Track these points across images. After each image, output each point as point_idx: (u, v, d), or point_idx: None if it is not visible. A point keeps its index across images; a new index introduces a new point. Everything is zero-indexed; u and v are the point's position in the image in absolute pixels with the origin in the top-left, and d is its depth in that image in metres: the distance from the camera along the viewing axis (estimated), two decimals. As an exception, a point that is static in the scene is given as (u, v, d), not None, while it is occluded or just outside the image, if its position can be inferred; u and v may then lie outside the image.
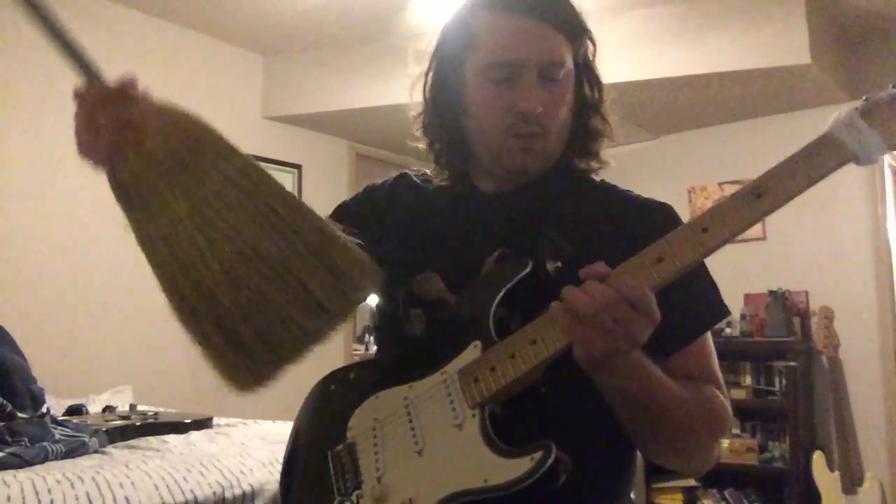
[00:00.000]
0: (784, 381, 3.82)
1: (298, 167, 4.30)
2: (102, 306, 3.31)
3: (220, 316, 0.79)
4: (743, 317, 4.05)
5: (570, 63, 0.95)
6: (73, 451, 1.79)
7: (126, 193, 0.83)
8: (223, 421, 2.32)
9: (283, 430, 2.12)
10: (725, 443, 3.82)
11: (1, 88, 3.09)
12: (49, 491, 1.43)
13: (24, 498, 1.39)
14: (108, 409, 2.53)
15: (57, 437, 1.82)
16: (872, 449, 3.64)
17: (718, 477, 3.82)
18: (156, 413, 2.42)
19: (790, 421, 3.73)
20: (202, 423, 2.25)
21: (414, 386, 0.88)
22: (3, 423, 1.76)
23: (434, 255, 0.99)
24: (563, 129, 0.97)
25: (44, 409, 2.09)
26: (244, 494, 1.65)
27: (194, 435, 2.08)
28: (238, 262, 0.79)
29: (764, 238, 4.12)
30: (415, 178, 1.11)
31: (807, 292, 4.00)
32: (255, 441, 2.02)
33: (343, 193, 4.54)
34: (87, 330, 3.26)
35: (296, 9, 3.61)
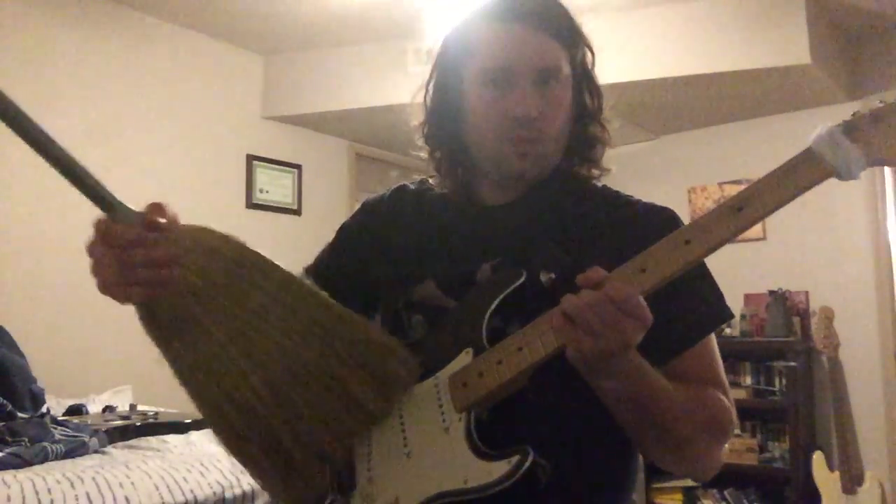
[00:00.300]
0: (784, 381, 3.82)
1: (298, 167, 4.30)
2: (102, 306, 3.27)
3: (269, 438, 0.80)
4: (743, 317, 4.05)
5: (566, 70, 0.96)
6: (73, 451, 1.79)
7: (162, 329, 0.81)
8: (223, 421, 2.32)
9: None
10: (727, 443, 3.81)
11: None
12: (49, 491, 1.43)
13: (24, 498, 1.39)
14: (108, 409, 2.53)
15: (57, 437, 1.82)
16: (872, 449, 3.64)
17: (718, 477, 3.76)
18: (156, 413, 2.42)
19: (790, 421, 3.73)
20: (202, 423, 2.24)
21: (407, 391, 0.90)
22: (3, 423, 1.76)
23: (433, 264, 1.00)
24: (560, 135, 0.97)
25: (44, 409, 2.10)
26: (244, 494, 1.66)
27: (194, 435, 2.08)
28: (284, 381, 0.80)
29: (764, 238, 4.12)
30: (412, 188, 1.12)
31: (807, 292, 4.00)
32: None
33: (343, 193, 4.55)
34: (87, 330, 3.26)
35: (296, 9, 3.61)
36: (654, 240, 0.80)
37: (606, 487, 0.95)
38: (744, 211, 0.77)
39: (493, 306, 0.88)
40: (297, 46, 4.07)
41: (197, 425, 2.22)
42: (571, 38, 0.96)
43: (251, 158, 4.05)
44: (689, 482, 3.90)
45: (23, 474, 1.50)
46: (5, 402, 1.85)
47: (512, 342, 0.83)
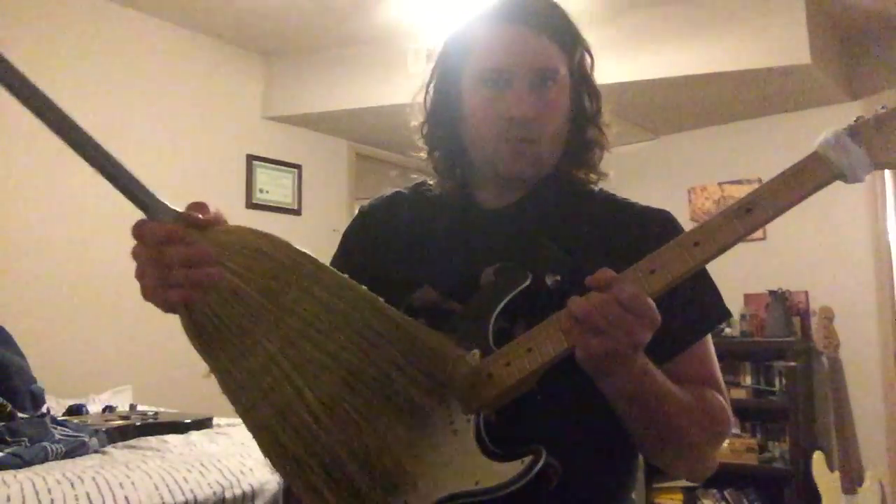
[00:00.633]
0: (784, 381, 3.82)
1: (298, 167, 4.30)
2: (102, 306, 3.31)
3: (328, 461, 0.72)
4: (743, 317, 4.05)
5: (564, 72, 0.96)
6: (73, 451, 1.79)
7: (206, 339, 0.74)
8: (223, 421, 2.32)
9: (283, 430, 2.12)
10: (725, 443, 3.79)
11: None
12: (49, 491, 1.43)
13: (24, 498, 1.39)
14: (108, 409, 2.53)
15: (57, 437, 1.82)
16: (872, 449, 3.64)
17: (718, 477, 3.81)
18: (156, 413, 2.42)
19: (790, 421, 3.73)
20: (202, 423, 2.25)
21: None
22: (3, 423, 1.76)
23: (433, 268, 1.00)
24: (557, 137, 0.98)
25: (44, 409, 2.10)
26: (244, 494, 1.65)
27: (194, 435, 2.08)
28: (342, 396, 0.73)
29: (764, 238, 4.12)
30: (407, 193, 1.12)
31: (807, 292, 4.00)
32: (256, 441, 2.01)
33: (343, 193, 4.56)
34: (87, 330, 3.26)
35: (296, 9, 3.61)
36: (652, 242, 0.81)
37: (608, 488, 0.96)
38: (752, 213, 0.78)
39: (499, 308, 0.89)
40: (297, 46, 4.07)
41: (197, 425, 2.22)
42: (570, 41, 0.97)
43: (251, 158, 4.05)
44: (689, 482, 3.90)
45: (23, 474, 1.50)
46: (5, 402, 1.85)
47: (520, 344, 0.83)
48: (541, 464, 0.77)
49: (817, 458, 3.41)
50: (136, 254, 0.74)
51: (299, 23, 3.76)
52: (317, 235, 4.18)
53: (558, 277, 0.92)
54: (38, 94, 0.75)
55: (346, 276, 0.79)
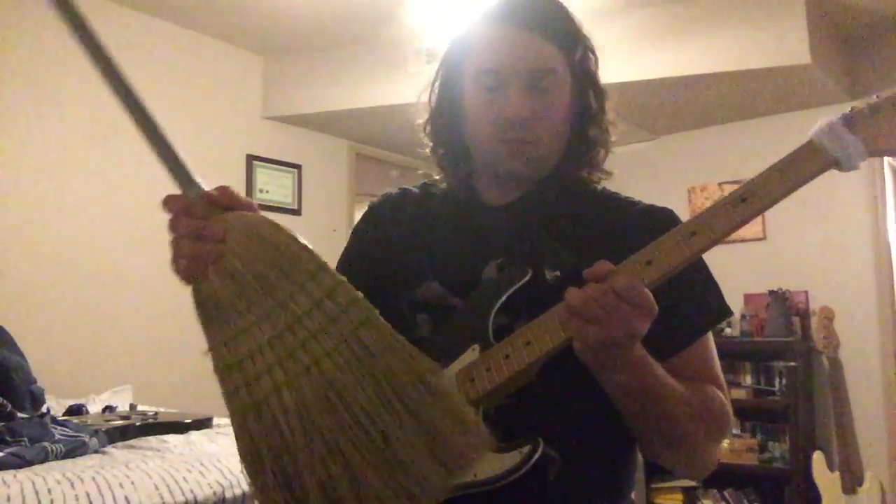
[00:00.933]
0: (784, 381, 3.82)
1: (298, 167, 4.30)
2: (102, 306, 3.31)
3: (287, 469, 0.70)
4: (743, 317, 4.05)
5: (562, 71, 0.96)
6: (73, 451, 1.79)
7: (206, 314, 0.75)
8: (223, 421, 2.32)
9: (283, 430, 2.12)
10: (725, 443, 3.82)
11: (0, 88, 3.09)
12: (49, 491, 1.43)
13: (24, 498, 1.39)
14: (108, 409, 2.53)
15: (57, 437, 1.82)
16: (872, 449, 3.63)
17: (718, 477, 3.82)
18: (156, 413, 2.42)
19: (790, 421, 3.73)
20: (202, 423, 2.24)
21: None
22: (3, 423, 1.76)
23: (437, 263, 1.01)
24: (556, 136, 0.98)
25: (44, 409, 2.09)
26: (244, 494, 1.65)
27: (194, 435, 2.08)
28: (315, 404, 0.70)
29: (764, 238, 4.12)
30: (415, 191, 1.14)
31: (807, 292, 4.00)
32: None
33: (343, 193, 4.56)
34: (87, 330, 3.26)
35: (296, 9, 3.61)
36: (651, 241, 0.81)
37: (606, 483, 0.96)
38: (747, 202, 0.79)
39: (499, 303, 0.89)
40: (297, 46, 4.07)
41: (197, 425, 2.22)
42: (570, 39, 0.97)
43: (251, 158, 4.05)
44: (689, 482, 3.90)
45: (23, 474, 1.50)
46: (5, 402, 1.85)
47: (519, 337, 0.84)
48: (538, 454, 0.77)
49: (817, 458, 3.41)
50: (168, 226, 0.79)
51: (299, 23, 3.76)
52: (317, 235, 4.17)
53: (558, 273, 0.92)
54: (105, 55, 0.78)
55: (344, 278, 0.76)
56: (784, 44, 3.36)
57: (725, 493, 3.90)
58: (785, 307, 3.91)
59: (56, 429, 1.87)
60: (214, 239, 0.76)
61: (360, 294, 0.76)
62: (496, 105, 0.95)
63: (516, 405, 0.85)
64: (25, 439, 1.73)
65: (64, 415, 2.29)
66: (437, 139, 1.07)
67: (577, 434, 0.88)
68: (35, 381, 2.25)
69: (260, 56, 4.18)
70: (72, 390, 2.85)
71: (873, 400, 3.76)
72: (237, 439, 0.74)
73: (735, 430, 3.96)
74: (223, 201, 0.78)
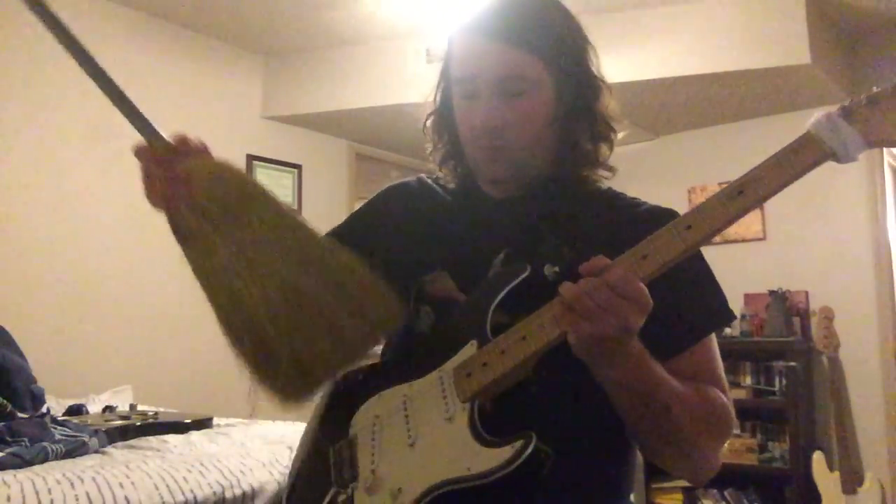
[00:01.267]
0: (784, 381, 3.82)
1: (298, 167, 4.30)
2: (102, 306, 3.31)
3: (260, 341, 0.89)
4: (743, 317, 4.05)
5: (538, 76, 0.96)
6: (73, 451, 1.79)
7: (182, 236, 0.94)
8: (223, 421, 2.32)
9: (283, 430, 2.12)
10: (725, 443, 3.81)
11: (0, 86, 3.09)
12: (49, 491, 1.43)
13: (24, 498, 1.39)
14: (108, 409, 2.53)
15: (57, 437, 1.82)
16: (872, 449, 3.64)
17: (718, 477, 3.76)
18: (156, 413, 2.42)
19: (790, 421, 3.73)
20: (202, 423, 2.24)
21: (413, 384, 0.92)
22: (3, 423, 1.76)
23: (443, 254, 1.02)
24: (536, 140, 0.99)
25: (44, 409, 2.10)
26: (244, 494, 1.65)
27: (194, 435, 2.08)
28: (276, 297, 0.89)
29: (764, 238, 4.12)
30: (430, 181, 1.15)
31: (807, 292, 4.00)
32: (255, 441, 2.02)
33: (343, 193, 4.55)
34: (87, 330, 3.26)
35: (296, 9, 3.61)
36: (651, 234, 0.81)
37: (605, 480, 0.96)
38: (744, 194, 0.78)
39: (497, 299, 0.90)
40: (297, 46, 4.08)
41: (197, 425, 2.22)
42: (546, 43, 0.96)
43: (251, 158, 4.05)
44: (690, 483, 3.90)
45: (23, 474, 1.50)
46: (5, 402, 1.85)
47: (515, 332, 0.85)
48: (530, 449, 0.77)
49: (817, 458, 3.41)
50: (140, 170, 0.95)
51: (299, 23, 3.76)
52: (317, 235, 4.18)
53: (557, 269, 0.93)
54: (66, 31, 1.01)
55: (284, 202, 0.97)
56: (784, 44, 3.36)
57: (725, 493, 3.90)
58: (785, 307, 3.91)
59: (56, 429, 1.87)
60: (182, 181, 0.91)
61: (300, 218, 0.96)
62: (470, 113, 0.98)
63: (514, 400, 0.85)
64: (25, 439, 1.73)
65: (64, 415, 2.29)
66: (436, 138, 1.09)
67: (575, 431, 0.88)
68: (35, 381, 2.25)
69: (260, 56, 4.18)
70: (72, 390, 2.85)
71: (873, 400, 3.76)
72: (222, 326, 0.92)
73: (735, 430, 3.94)
74: (183, 148, 0.94)
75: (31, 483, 1.44)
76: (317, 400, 1.06)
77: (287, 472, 1.38)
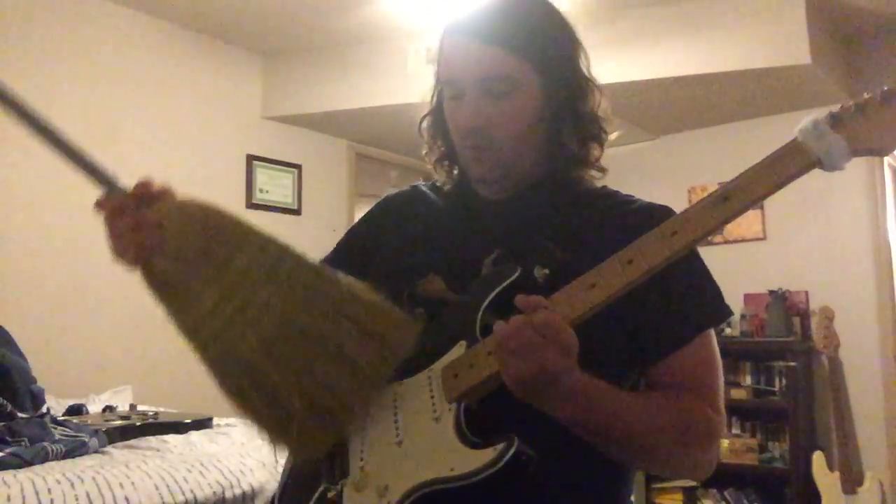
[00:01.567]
0: (784, 381, 3.82)
1: (298, 167, 4.30)
2: (102, 306, 3.31)
3: (266, 390, 0.82)
4: (743, 317, 4.05)
5: (522, 76, 0.96)
6: (73, 451, 1.79)
7: (159, 289, 0.87)
8: (223, 421, 2.32)
9: (283, 430, 2.12)
10: (725, 443, 3.82)
11: None
12: (49, 491, 1.43)
13: (24, 498, 1.39)
14: (108, 409, 2.53)
15: (57, 437, 1.82)
16: (872, 449, 3.64)
17: (718, 477, 3.82)
18: (156, 413, 2.42)
19: (790, 421, 3.73)
20: (202, 423, 2.25)
21: (403, 382, 0.91)
22: (3, 423, 1.76)
23: (435, 258, 1.02)
24: (522, 140, 0.98)
25: (44, 409, 2.09)
26: (244, 494, 1.66)
27: (194, 435, 2.08)
28: (274, 337, 0.82)
29: (764, 238, 4.12)
30: (424, 188, 1.16)
31: (807, 292, 4.00)
32: (255, 441, 2.02)
33: (343, 193, 4.56)
34: (87, 330, 3.26)
35: (296, 9, 3.61)
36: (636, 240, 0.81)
37: (598, 481, 0.95)
38: (729, 201, 0.78)
39: (487, 301, 0.90)
40: (297, 46, 4.08)
41: (197, 425, 2.22)
42: (533, 44, 0.96)
43: (251, 158, 4.05)
44: (690, 482, 3.90)
45: (23, 474, 1.50)
46: (5, 402, 1.85)
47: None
48: (512, 451, 0.77)
49: (817, 458, 3.41)
50: (105, 225, 0.89)
51: (299, 23, 3.76)
52: (317, 235, 4.18)
53: (547, 271, 0.92)
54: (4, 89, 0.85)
55: (272, 235, 0.87)
56: (784, 44, 3.36)
57: (725, 493, 3.90)
58: (785, 307, 3.91)
59: (56, 429, 1.87)
60: (152, 227, 0.86)
61: (287, 243, 0.88)
62: (456, 114, 0.99)
63: (500, 402, 0.85)
64: (25, 439, 1.73)
65: (64, 415, 2.29)
66: (432, 141, 1.10)
67: (568, 432, 0.88)
68: (35, 381, 2.24)
69: (260, 56, 4.18)
70: (72, 390, 2.85)
71: (873, 400, 3.76)
72: (220, 385, 0.84)
73: (735, 430, 3.96)
74: (146, 194, 0.88)
75: (31, 483, 1.44)
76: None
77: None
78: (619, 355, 0.92)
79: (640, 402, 0.88)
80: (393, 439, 0.88)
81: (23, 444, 1.71)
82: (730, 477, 3.87)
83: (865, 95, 0.77)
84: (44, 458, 1.70)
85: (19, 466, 1.60)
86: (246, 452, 1.84)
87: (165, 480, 1.58)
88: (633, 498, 1.00)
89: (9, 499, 1.37)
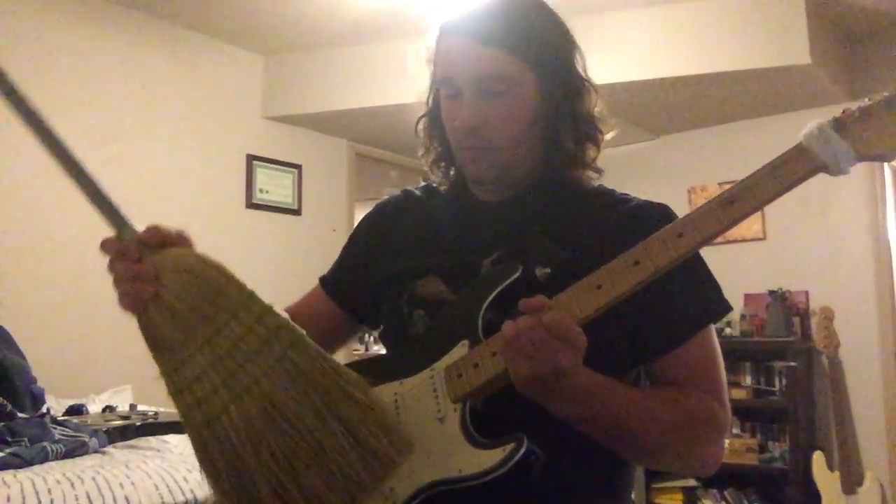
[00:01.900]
0: (784, 381, 3.82)
1: (298, 167, 4.30)
2: (102, 306, 3.30)
3: (239, 472, 0.77)
4: (743, 317, 4.05)
5: (516, 76, 0.96)
6: (73, 451, 1.79)
7: (153, 346, 0.85)
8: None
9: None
10: (725, 442, 3.81)
11: None
12: (49, 491, 1.43)
13: (24, 498, 1.39)
14: (108, 409, 2.53)
15: (57, 437, 1.82)
16: (872, 449, 3.64)
17: (718, 477, 3.82)
18: (156, 413, 2.42)
19: (790, 421, 3.73)
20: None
21: (404, 382, 0.91)
22: (3, 423, 1.76)
23: (434, 260, 1.02)
24: (520, 139, 0.98)
25: (44, 409, 2.09)
26: (244, 494, 1.65)
27: (194, 435, 2.08)
28: (259, 419, 0.78)
29: (764, 238, 4.12)
30: (417, 192, 1.16)
31: (807, 292, 4.00)
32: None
33: (343, 193, 4.56)
34: (87, 330, 3.26)
35: (296, 9, 3.61)
36: (646, 236, 0.82)
37: (600, 481, 0.95)
38: (735, 204, 0.79)
39: (488, 300, 0.90)
40: (297, 46, 4.08)
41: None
42: (529, 44, 0.96)
43: (251, 158, 4.05)
44: (690, 482, 3.91)
45: (23, 474, 1.50)
46: (5, 402, 1.85)
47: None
48: (521, 452, 0.77)
49: (817, 458, 3.41)
50: (108, 268, 0.87)
51: (299, 23, 3.76)
52: (317, 235, 4.18)
53: (548, 270, 0.93)
54: (34, 113, 0.84)
55: (272, 305, 0.83)
56: (784, 44, 3.36)
57: (725, 493, 3.90)
58: (785, 307, 3.91)
59: (56, 429, 1.87)
60: (149, 279, 0.82)
61: (287, 318, 0.83)
62: (453, 114, 0.99)
63: (504, 401, 0.85)
64: (25, 439, 1.73)
65: (64, 415, 2.29)
66: (428, 142, 1.10)
67: (569, 431, 0.88)
68: (35, 381, 2.25)
69: (260, 56, 4.18)
70: (72, 390, 2.85)
71: (873, 400, 3.76)
72: (196, 452, 0.80)
73: (735, 430, 3.96)
74: (154, 241, 0.85)
75: (31, 483, 1.44)
76: None
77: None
78: (621, 352, 0.93)
79: (645, 397, 0.88)
80: None
81: (23, 444, 1.71)
82: (730, 477, 3.87)
83: (868, 101, 0.77)
84: (44, 458, 1.70)
85: (19, 466, 1.60)
86: (246, 452, 1.83)
87: (165, 480, 1.58)
88: (633, 496, 1.00)
89: (9, 499, 1.37)
